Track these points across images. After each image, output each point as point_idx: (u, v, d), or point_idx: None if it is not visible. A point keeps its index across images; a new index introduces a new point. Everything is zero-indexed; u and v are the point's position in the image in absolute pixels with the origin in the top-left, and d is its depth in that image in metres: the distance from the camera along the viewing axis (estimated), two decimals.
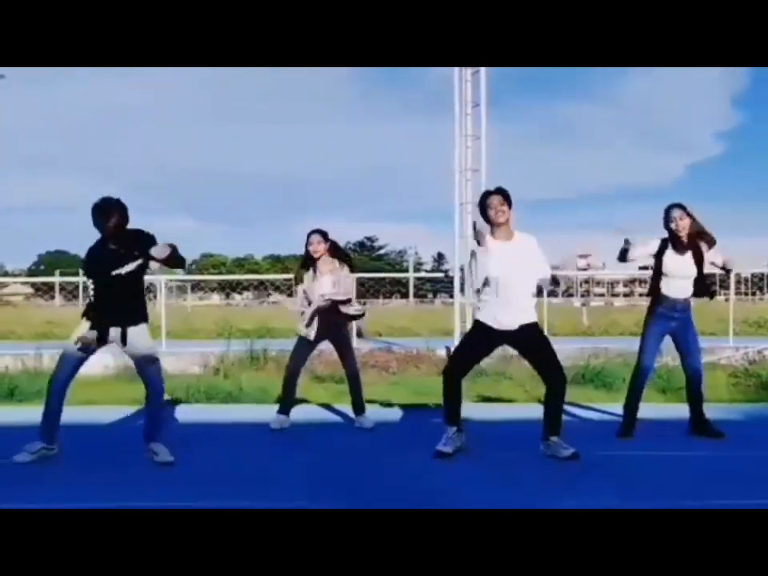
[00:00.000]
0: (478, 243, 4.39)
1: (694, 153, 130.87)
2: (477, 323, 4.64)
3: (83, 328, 4.44)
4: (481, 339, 4.62)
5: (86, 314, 4.50)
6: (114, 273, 4.39)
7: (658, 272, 5.20)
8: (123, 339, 4.47)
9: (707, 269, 5.18)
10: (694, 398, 5.24)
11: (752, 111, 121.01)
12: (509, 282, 4.44)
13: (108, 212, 4.34)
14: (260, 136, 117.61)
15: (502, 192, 4.56)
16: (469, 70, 9.53)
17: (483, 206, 4.56)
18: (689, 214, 5.06)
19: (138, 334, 4.50)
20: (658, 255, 5.16)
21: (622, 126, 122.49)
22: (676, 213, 5.08)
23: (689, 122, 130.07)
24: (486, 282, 4.44)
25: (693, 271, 5.11)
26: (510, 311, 4.47)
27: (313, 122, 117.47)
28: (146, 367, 4.55)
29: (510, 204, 4.54)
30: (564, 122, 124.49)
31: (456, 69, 9.50)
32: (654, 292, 5.22)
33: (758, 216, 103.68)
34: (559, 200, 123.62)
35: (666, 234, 5.16)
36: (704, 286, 5.20)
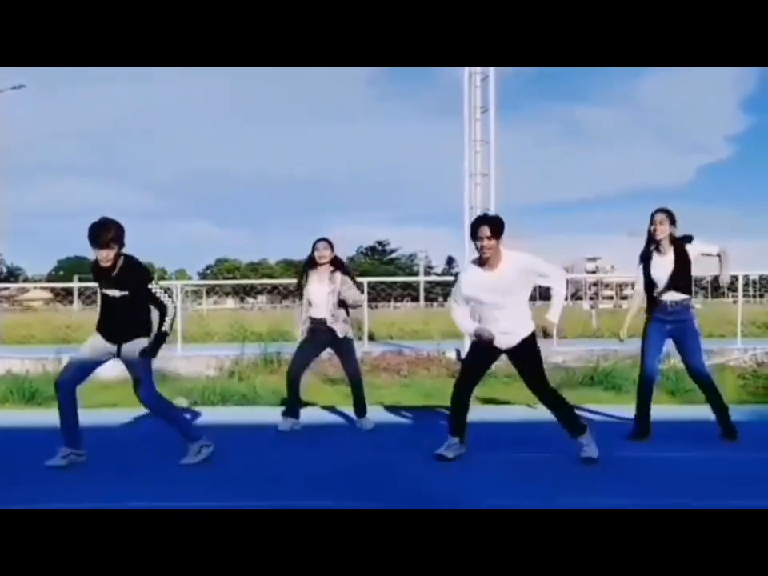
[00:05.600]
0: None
1: (707, 155, 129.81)
2: (472, 344, 4.81)
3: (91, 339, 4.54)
4: (479, 353, 4.72)
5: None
6: (104, 291, 4.49)
7: (644, 277, 5.33)
8: (118, 352, 4.50)
9: (698, 264, 5.26)
10: (715, 404, 5.27)
11: (765, 114, 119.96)
12: (488, 308, 4.48)
13: (100, 234, 4.29)
14: (269, 139, 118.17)
15: (490, 223, 4.39)
16: (479, 76, 9.62)
17: (472, 233, 4.44)
18: (672, 222, 5.18)
19: (132, 350, 4.46)
20: (645, 262, 5.32)
21: (635, 127, 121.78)
22: (657, 217, 5.22)
23: (701, 124, 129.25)
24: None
25: (672, 271, 5.18)
26: (496, 332, 4.46)
27: (324, 126, 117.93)
28: (139, 381, 4.50)
29: (498, 235, 4.36)
30: (575, 124, 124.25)
31: (466, 74, 9.58)
32: (646, 296, 5.35)
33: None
34: (568, 202, 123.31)
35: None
36: (686, 283, 5.25)
